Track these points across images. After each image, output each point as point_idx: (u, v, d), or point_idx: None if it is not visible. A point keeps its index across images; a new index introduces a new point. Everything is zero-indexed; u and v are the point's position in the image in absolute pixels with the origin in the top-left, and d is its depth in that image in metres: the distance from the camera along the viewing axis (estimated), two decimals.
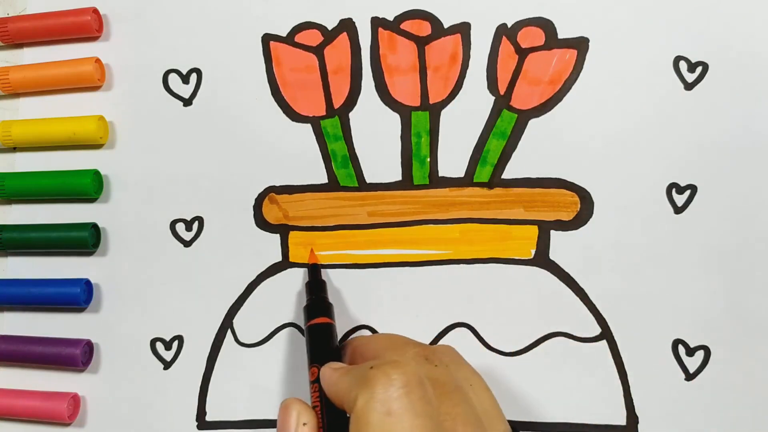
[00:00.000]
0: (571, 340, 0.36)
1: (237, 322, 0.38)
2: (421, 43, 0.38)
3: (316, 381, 0.30)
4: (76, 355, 0.37)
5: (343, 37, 0.39)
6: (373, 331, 0.37)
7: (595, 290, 0.36)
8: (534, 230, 0.36)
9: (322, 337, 0.32)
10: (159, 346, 0.38)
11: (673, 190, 0.36)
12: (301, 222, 0.38)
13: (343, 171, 0.38)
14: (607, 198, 0.36)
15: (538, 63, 0.37)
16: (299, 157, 0.38)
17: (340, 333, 0.37)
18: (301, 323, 0.37)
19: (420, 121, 0.38)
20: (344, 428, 0.27)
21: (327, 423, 0.28)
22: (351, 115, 0.38)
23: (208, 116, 0.39)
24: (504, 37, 0.38)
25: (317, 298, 0.35)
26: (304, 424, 0.28)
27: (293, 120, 0.39)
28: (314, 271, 0.36)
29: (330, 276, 0.37)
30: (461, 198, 0.37)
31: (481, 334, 0.36)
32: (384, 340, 0.31)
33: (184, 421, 0.37)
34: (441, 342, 0.36)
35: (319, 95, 0.38)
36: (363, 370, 0.26)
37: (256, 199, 0.38)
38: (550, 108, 0.37)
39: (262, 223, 0.38)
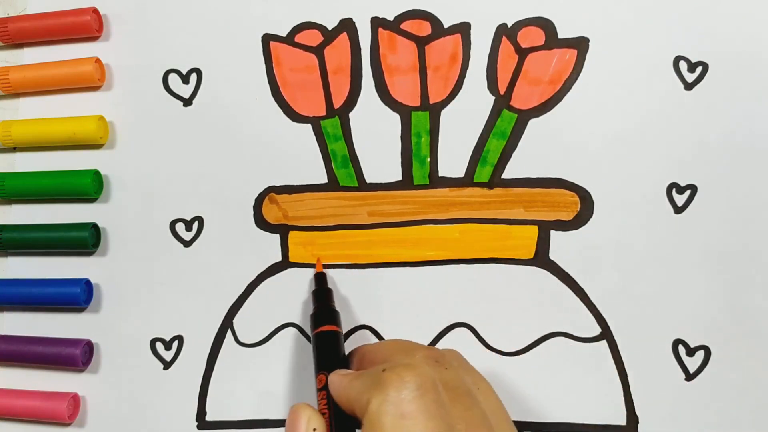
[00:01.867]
0: (571, 340, 0.36)
1: (237, 322, 0.38)
2: (421, 43, 0.38)
3: (323, 388, 0.30)
4: (76, 355, 0.37)
5: (343, 37, 0.39)
6: (374, 331, 0.37)
7: (595, 290, 0.36)
8: (534, 230, 0.36)
9: (329, 344, 0.32)
10: (159, 346, 0.38)
11: (673, 190, 0.36)
12: (300, 222, 0.38)
13: (343, 171, 0.38)
14: (607, 198, 0.36)
15: (538, 63, 0.37)
16: (299, 157, 0.38)
17: None
18: (302, 323, 0.37)
19: (420, 121, 0.38)
20: None
21: (336, 430, 0.28)
22: (351, 115, 0.38)
23: (208, 116, 0.39)
24: (504, 37, 0.37)
25: (324, 306, 0.34)
26: (314, 429, 0.27)
27: (293, 120, 0.39)
28: (321, 279, 0.36)
29: (330, 276, 0.37)
30: (461, 198, 0.37)
31: (481, 334, 0.36)
32: (392, 344, 0.31)
33: (184, 421, 0.37)
34: (441, 342, 0.36)
35: (319, 95, 0.38)
36: (375, 373, 0.26)
37: (256, 199, 0.38)
38: (550, 108, 0.37)
39: (261, 223, 0.38)
